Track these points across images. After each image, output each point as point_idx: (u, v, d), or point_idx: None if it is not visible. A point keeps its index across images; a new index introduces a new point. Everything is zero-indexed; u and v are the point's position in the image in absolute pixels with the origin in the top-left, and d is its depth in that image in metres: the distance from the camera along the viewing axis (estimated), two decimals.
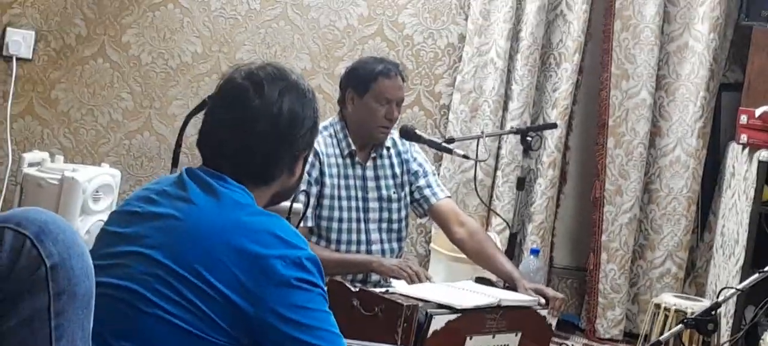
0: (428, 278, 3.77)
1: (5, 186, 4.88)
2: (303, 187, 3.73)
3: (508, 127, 4.97)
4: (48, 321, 1.53)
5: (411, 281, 3.66)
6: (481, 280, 3.97)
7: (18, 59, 4.98)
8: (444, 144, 4.10)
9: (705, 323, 3.23)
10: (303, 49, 5.14)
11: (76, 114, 5.10)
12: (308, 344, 1.91)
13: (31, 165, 4.36)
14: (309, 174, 3.80)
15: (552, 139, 5.06)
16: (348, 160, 3.91)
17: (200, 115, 2.15)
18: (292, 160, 2.08)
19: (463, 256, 4.15)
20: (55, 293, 1.54)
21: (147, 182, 2.22)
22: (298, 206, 2.75)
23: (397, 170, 4.01)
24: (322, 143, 3.86)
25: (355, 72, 3.91)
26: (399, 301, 3.25)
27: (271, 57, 5.08)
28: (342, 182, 3.89)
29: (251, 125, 2.02)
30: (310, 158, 3.80)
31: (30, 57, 5.04)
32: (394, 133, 4.01)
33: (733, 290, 3.43)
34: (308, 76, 5.14)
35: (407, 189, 4.04)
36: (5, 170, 4.90)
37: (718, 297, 3.33)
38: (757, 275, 3.37)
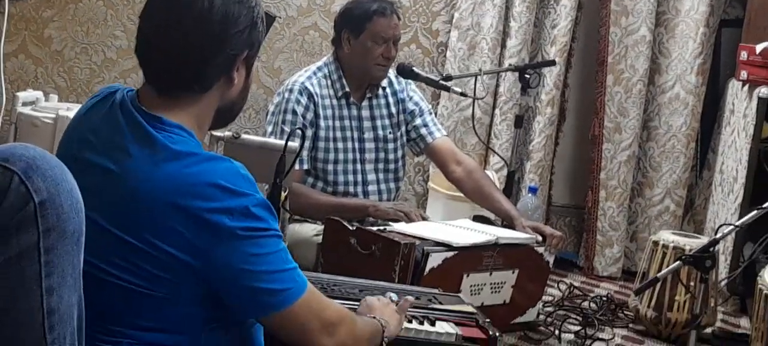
0: (425, 219, 3.76)
1: None
2: (297, 126, 3.71)
3: (506, 65, 4.93)
4: (37, 258, 1.51)
5: (409, 221, 3.65)
6: (479, 218, 3.97)
7: None
8: (441, 82, 4.08)
9: (703, 259, 3.23)
10: None
11: (70, 53, 5.06)
12: (263, 290, 1.88)
13: (25, 104, 4.34)
14: (303, 117, 3.78)
15: (551, 76, 5.03)
16: (343, 101, 3.89)
17: None
18: (227, 62, 1.95)
19: (461, 194, 4.14)
20: (44, 230, 1.51)
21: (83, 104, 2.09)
22: (294, 144, 2.73)
23: (393, 110, 3.99)
24: (316, 85, 3.84)
25: (350, 12, 3.88)
26: (396, 239, 3.25)
27: None
28: (337, 123, 3.87)
29: (181, 22, 1.91)
30: (304, 100, 3.79)
31: None
32: (391, 72, 3.98)
33: (731, 227, 3.42)
34: (303, 14, 5.10)
35: (403, 128, 4.02)
36: None
37: (716, 234, 3.31)
38: (755, 212, 3.36)
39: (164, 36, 1.93)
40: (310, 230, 3.71)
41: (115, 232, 1.84)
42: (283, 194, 2.68)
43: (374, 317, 2.17)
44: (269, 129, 3.84)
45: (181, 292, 1.87)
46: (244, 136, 2.99)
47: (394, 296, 2.37)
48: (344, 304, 2.23)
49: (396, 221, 3.63)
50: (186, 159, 1.87)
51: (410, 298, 2.39)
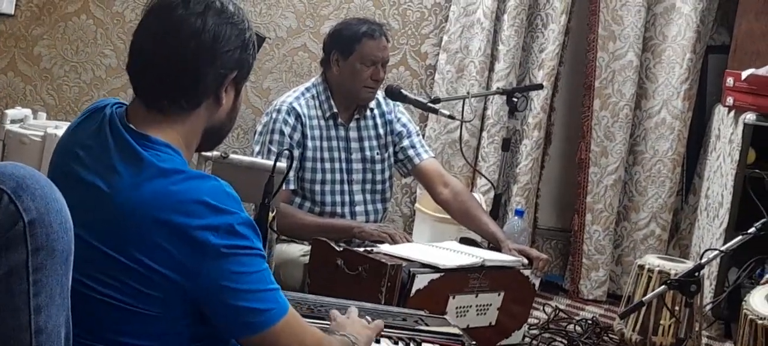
0: (409, 241, 3.77)
1: None
2: (284, 148, 3.72)
3: (494, 88, 4.95)
4: (26, 277, 1.52)
5: (393, 243, 3.66)
6: (465, 240, 3.97)
7: (0, 15, 4.94)
8: (430, 104, 4.09)
9: (688, 284, 3.24)
10: (288, 6, 5.11)
11: (59, 71, 5.07)
12: (246, 309, 1.88)
13: (13, 122, 4.33)
14: (291, 137, 3.79)
15: (538, 100, 5.05)
16: (331, 122, 3.90)
17: None
18: (216, 81, 1.96)
19: (448, 216, 4.15)
20: (33, 249, 1.52)
21: (73, 121, 2.11)
22: (282, 165, 2.74)
23: (381, 131, 4.00)
24: (303, 105, 3.85)
25: (340, 34, 3.90)
26: (383, 260, 3.25)
27: (256, 14, 5.05)
28: (325, 144, 3.88)
29: (174, 37, 1.93)
30: (291, 121, 3.80)
31: (12, 12, 5.00)
32: (379, 94, 4.00)
33: (716, 252, 3.44)
34: (294, 35, 5.11)
35: (391, 149, 4.03)
36: None
37: (701, 259, 3.33)
38: (740, 237, 3.38)
39: (157, 50, 1.94)
40: (297, 250, 3.72)
41: (102, 248, 1.85)
42: (271, 215, 2.69)
43: (345, 335, 2.18)
44: (257, 149, 3.84)
45: (167, 309, 1.88)
46: (233, 156, 3.00)
47: (368, 318, 2.37)
48: (324, 323, 2.27)
49: (381, 242, 3.64)
50: (172, 176, 1.88)
51: (381, 322, 2.39)
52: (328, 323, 2.29)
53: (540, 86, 4.83)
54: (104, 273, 1.86)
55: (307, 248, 3.62)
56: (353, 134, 3.95)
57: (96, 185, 1.90)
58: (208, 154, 2.92)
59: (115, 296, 1.87)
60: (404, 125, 4.05)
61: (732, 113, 4.72)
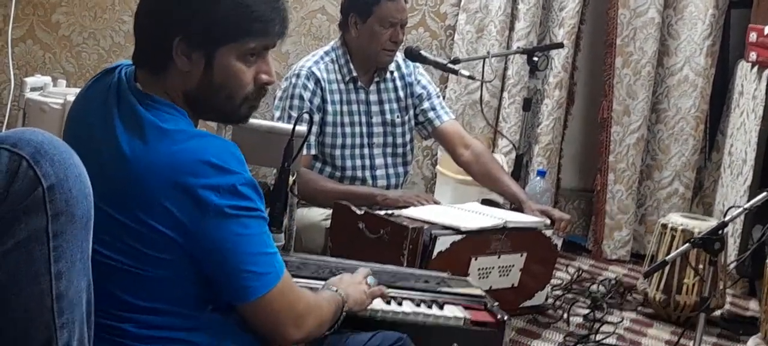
0: (435, 202, 3.76)
1: (8, 111, 4.86)
2: (305, 111, 3.71)
3: (514, 48, 4.92)
4: (46, 242, 1.51)
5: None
6: (487, 202, 3.97)
7: None
8: (449, 65, 4.07)
9: (712, 242, 3.22)
10: None
11: (78, 38, 5.07)
12: (245, 271, 1.89)
13: (33, 89, 4.34)
14: (311, 102, 3.77)
15: (559, 59, 5.02)
16: (350, 86, 3.88)
17: None
18: (164, 43, 1.93)
19: (470, 178, 4.14)
20: (52, 214, 1.51)
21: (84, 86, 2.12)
22: (301, 129, 2.73)
23: (401, 94, 3.99)
24: (323, 69, 3.84)
25: None
26: (404, 223, 3.25)
27: None
28: (345, 108, 3.87)
29: (142, 3, 2.00)
30: (311, 85, 3.78)
31: None
32: (398, 56, 3.98)
33: (740, 210, 3.41)
34: None
35: (411, 112, 4.02)
36: (8, 95, 4.88)
37: (725, 217, 3.31)
38: (764, 194, 3.35)
39: (139, 8, 2.01)
40: (319, 214, 3.71)
41: (108, 211, 1.85)
42: (291, 179, 2.68)
43: (336, 290, 2.20)
44: (277, 114, 3.83)
45: (175, 271, 1.89)
46: (252, 120, 2.99)
47: (372, 280, 2.37)
48: None
49: (405, 208, 3.62)
50: (175, 136, 1.88)
51: (383, 288, 2.39)
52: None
53: (561, 45, 4.79)
54: (112, 237, 1.87)
55: (328, 211, 3.62)
56: (373, 97, 3.93)
57: (103, 150, 1.90)
58: None
59: (124, 260, 1.88)
60: (424, 87, 4.03)
61: (755, 69, 4.67)
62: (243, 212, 1.87)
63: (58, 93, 4.33)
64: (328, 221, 3.56)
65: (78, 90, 4.46)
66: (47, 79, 4.51)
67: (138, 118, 1.91)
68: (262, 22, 1.96)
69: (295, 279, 2.05)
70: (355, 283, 2.30)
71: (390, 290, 2.44)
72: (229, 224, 1.86)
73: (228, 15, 1.93)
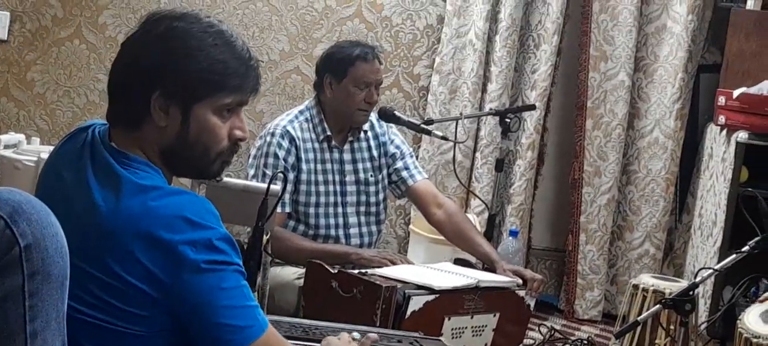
0: (410, 264, 3.76)
1: None
2: (279, 169, 3.72)
3: (486, 109, 4.96)
4: (22, 301, 1.52)
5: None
6: (459, 261, 3.97)
7: None
8: (423, 126, 4.09)
9: (683, 303, 3.25)
10: (281, 30, 5.12)
11: (53, 96, 5.07)
12: (224, 326, 1.88)
13: (7, 147, 4.32)
14: (285, 160, 3.79)
15: (531, 120, 5.07)
16: (324, 145, 3.90)
17: None
18: (140, 99, 1.95)
19: (442, 238, 4.15)
20: (29, 273, 1.52)
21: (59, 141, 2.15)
22: (276, 188, 2.74)
23: (375, 153, 4.00)
24: (297, 128, 3.85)
25: (332, 57, 3.90)
26: (377, 282, 3.25)
27: (249, 38, 5.05)
28: (319, 167, 3.88)
29: (121, 57, 2.02)
30: (285, 144, 3.80)
31: (5, 38, 5.00)
32: (372, 116, 4.00)
33: (710, 271, 3.44)
34: (286, 58, 5.12)
35: (385, 171, 4.03)
36: None
37: (695, 278, 3.34)
38: (734, 256, 3.39)
39: (114, 67, 2.03)
40: (292, 273, 3.71)
41: (84, 268, 1.85)
42: (265, 238, 2.68)
43: None
44: (251, 172, 3.84)
45: (150, 326, 1.89)
46: (227, 179, 3.00)
47: (356, 335, 2.35)
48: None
49: (380, 267, 3.62)
50: (151, 192, 1.89)
51: (373, 335, 2.36)
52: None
53: (533, 107, 4.83)
54: (88, 293, 1.87)
55: (301, 270, 3.62)
56: (347, 156, 3.95)
57: (77, 205, 1.91)
58: None
59: (99, 316, 1.88)
60: (398, 147, 4.05)
61: (724, 132, 4.73)
62: (219, 266, 1.88)
63: (32, 150, 4.32)
64: (301, 280, 3.56)
65: (52, 148, 4.45)
66: (21, 136, 4.49)
67: (113, 174, 1.92)
68: (237, 78, 1.99)
69: None
70: (346, 342, 2.26)
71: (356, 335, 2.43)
72: (206, 278, 1.86)
73: (205, 71, 1.96)
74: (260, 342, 1.92)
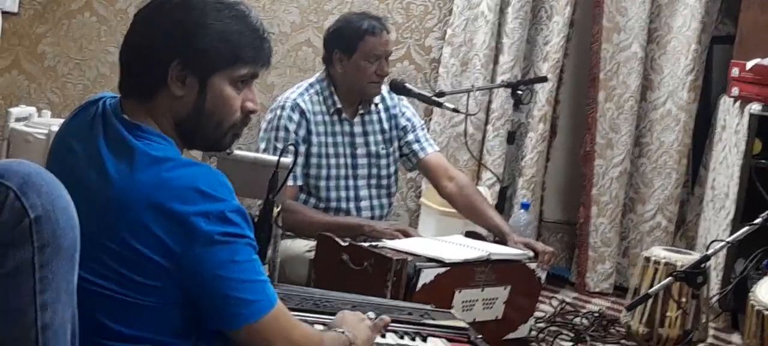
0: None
1: None
2: (290, 142, 3.71)
3: (498, 81, 4.95)
4: (32, 274, 1.52)
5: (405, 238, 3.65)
6: (471, 234, 3.97)
7: (4, 13, 4.93)
8: (434, 98, 4.09)
9: (694, 276, 3.24)
10: (292, 2, 5.10)
11: (63, 69, 5.07)
12: (235, 299, 1.89)
13: (18, 120, 4.33)
14: (296, 133, 3.78)
15: (543, 92, 5.05)
16: (335, 118, 3.89)
17: None
18: (157, 70, 1.96)
19: (454, 210, 4.14)
20: (39, 246, 1.52)
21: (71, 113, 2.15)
22: (286, 161, 2.74)
23: (386, 126, 4.00)
24: (308, 101, 3.85)
25: (341, 32, 3.88)
26: (388, 255, 3.25)
27: (260, 9, 5.04)
28: (329, 140, 3.88)
29: (130, 32, 2.03)
30: (296, 117, 3.79)
31: (16, 11, 5.00)
32: (383, 88, 3.99)
33: (722, 243, 3.43)
34: (297, 30, 5.11)
35: (396, 144, 4.03)
36: None
37: (707, 250, 3.33)
38: (746, 228, 3.37)
39: (123, 44, 2.03)
40: (303, 245, 3.72)
41: (97, 239, 1.86)
42: (276, 210, 2.68)
43: (343, 332, 2.17)
44: (262, 146, 3.84)
45: (163, 298, 1.89)
46: (237, 152, 3.00)
47: (371, 315, 2.34)
48: (330, 318, 2.27)
49: (392, 239, 3.62)
50: (165, 163, 1.90)
51: (387, 317, 2.35)
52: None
53: (544, 79, 4.81)
54: (101, 265, 1.87)
55: (312, 243, 3.62)
56: (358, 129, 3.94)
57: (90, 177, 1.91)
58: None
59: (112, 287, 1.88)
60: (409, 119, 4.05)
61: (737, 104, 4.71)
62: (232, 239, 1.88)
63: (43, 123, 4.33)
64: (312, 253, 3.56)
65: (62, 121, 4.46)
66: (32, 109, 4.50)
67: (127, 146, 1.92)
68: (252, 50, 2.01)
69: None
70: (358, 321, 2.25)
71: (372, 315, 2.43)
72: (218, 250, 1.86)
73: (223, 41, 1.97)
74: (269, 317, 1.93)
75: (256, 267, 1.93)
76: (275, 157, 2.64)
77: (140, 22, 2.02)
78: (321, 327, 2.26)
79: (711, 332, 4.36)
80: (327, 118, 3.88)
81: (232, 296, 1.89)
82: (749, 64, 4.62)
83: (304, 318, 2.38)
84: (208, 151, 2.56)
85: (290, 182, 3.61)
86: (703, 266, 3.28)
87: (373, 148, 3.97)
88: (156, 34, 1.98)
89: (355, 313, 2.30)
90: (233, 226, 1.88)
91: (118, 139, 1.94)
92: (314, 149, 3.84)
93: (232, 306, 1.89)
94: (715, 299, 4.49)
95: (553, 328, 4.21)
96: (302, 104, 3.83)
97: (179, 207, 1.85)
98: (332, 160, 3.88)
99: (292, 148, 3.12)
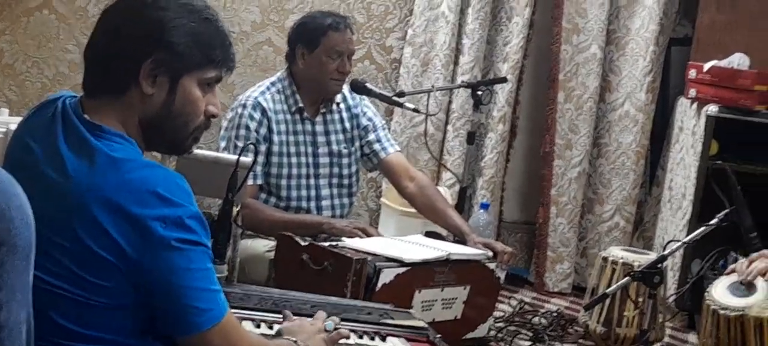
0: (380, 236, 3.77)
1: None
2: (250, 141, 3.71)
3: (458, 82, 4.96)
4: None
5: (365, 237, 3.65)
6: (430, 234, 3.98)
7: None
8: (394, 98, 4.10)
9: (651, 275, 3.27)
10: (253, 1, 5.09)
11: (21, 66, 5.02)
12: (186, 306, 1.88)
13: None
14: (257, 132, 3.78)
15: (502, 93, 5.07)
16: (297, 116, 3.89)
17: None
18: (127, 69, 1.95)
19: (414, 210, 4.15)
20: None
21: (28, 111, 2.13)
22: (246, 160, 2.73)
23: (347, 125, 4.00)
24: (269, 100, 3.84)
25: (304, 26, 3.89)
26: (348, 255, 3.25)
27: (221, 8, 5.02)
28: (291, 139, 3.87)
29: (97, 30, 2.01)
30: (257, 116, 3.79)
31: None
32: (344, 88, 3.99)
33: (679, 244, 3.47)
34: (258, 29, 5.10)
35: (357, 144, 4.03)
36: None
37: (664, 250, 3.36)
38: (702, 229, 3.41)
39: (87, 44, 2.01)
40: (262, 245, 3.71)
41: (53, 239, 1.85)
42: (235, 210, 2.68)
43: (295, 341, 2.15)
44: (222, 144, 3.83)
45: (117, 300, 1.88)
46: (197, 151, 2.99)
47: (330, 325, 2.31)
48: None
49: (351, 237, 3.63)
50: (125, 165, 1.89)
51: (345, 330, 2.33)
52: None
53: (504, 79, 4.84)
54: (56, 264, 1.86)
55: (272, 243, 3.62)
56: (319, 128, 3.94)
57: (48, 176, 1.91)
58: None
59: (66, 287, 1.87)
60: (370, 119, 4.05)
61: (695, 105, 4.75)
62: (188, 246, 1.87)
63: (1, 122, 4.29)
64: (272, 253, 3.56)
65: (20, 119, 4.42)
66: None
67: (87, 146, 1.91)
68: (221, 53, 2.03)
69: (238, 310, 2.05)
70: (314, 332, 2.23)
71: (336, 319, 2.43)
72: (173, 256, 1.86)
73: (195, 42, 1.98)
74: (219, 327, 1.92)
75: (209, 276, 1.92)
76: (235, 157, 2.64)
77: (110, 19, 2.01)
78: (273, 331, 2.26)
79: (668, 331, 4.40)
80: (288, 117, 3.88)
81: (183, 304, 1.88)
82: (706, 66, 4.67)
83: (263, 318, 2.39)
84: (169, 154, 2.55)
85: (250, 181, 3.60)
86: (659, 266, 3.31)
87: (334, 148, 3.97)
88: (129, 32, 1.97)
89: (314, 322, 2.29)
90: (190, 232, 1.88)
91: (78, 139, 1.92)
92: (275, 148, 3.83)
93: (183, 313, 1.89)
94: (671, 298, 4.53)
95: (511, 328, 4.23)
96: (264, 103, 3.83)
97: (137, 210, 1.84)
98: (294, 160, 3.88)
99: (252, 147, 3.11)
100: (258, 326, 2.36)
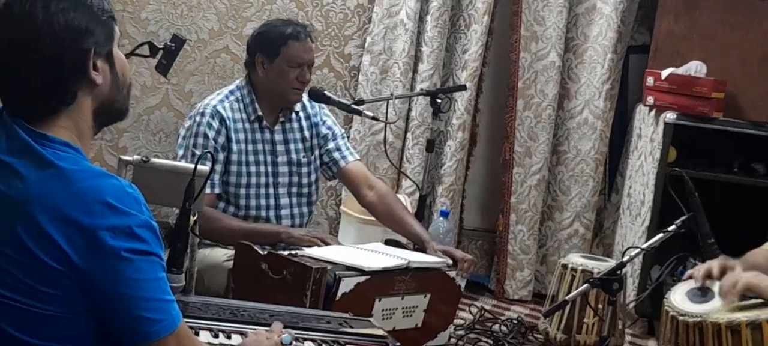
0: (339, 245, 3.75)
1: None
2: (208, 149, 3.67)
3: (417, 89, 4.96)
4: None
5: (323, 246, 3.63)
6: (390, 242, 3.97)
7: None
8: (353, 106, 4.08)
9: (610, 282, 3.27)
10: (210, 8, 5.06)
11: None
12: (138, 316, 1.86)
13: None
14: (215, 140, 3.75)
15: (462, 101, 5.07)
16: (256, 125, 3.86)
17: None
18: (74, 72, 1.90)
19: (373, 218, 4.14)
20: None
21: None
22: (204, 168, 2.70)
23: (307, 133, 3.98)
24: (228, 108, 3.81)
25: (264, 36, 3.87)
26: (307, 263, 3.23)
27: (177, 17, 4.99)
28: (250, 147, 3.85)
29: (11, 58, 1.90)
30: (215, 124, 3.75)
31: None
32: (303, 96, 3.97)
33: (638, 250, 3.47)
34: (215, 37, 5.07)
35: (317, 152, 4.01)
36: None
37: (623, 257, 3.37)
38: (661, 235, 3.42)
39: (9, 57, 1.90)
40: (221, 254, 3.68)
41: (1, 249, 1.82)
42: (192, 219, 2.65)
43: None
44: (180, 153, 3.79)
45: (68, 308, 1.85)
46: (154, 160, 2.95)
47: (287, 338, 2.29)
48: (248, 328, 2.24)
49: (310, 247, 3.60)
50: (74, 175, 1.85)
51: None
52: (253, 328, 2.26)
53: (463, 87, 4.84)
54: (5, 274, 1.83)
55: (231, 252, 3.58)
56: (279, 137, 3.92)
57: None
58: (129, 158, 2.87)
59: (16, 297, 1.84)
60: (329, 128, 4.03)
61: (653, 112, 4.78)
62: (137, 256, 1.84)
63: None
64: (231, 262, 3.53)
65: None
66: None
67: (32, 155, 1.87)
68: (108, 5, 2.00)
69: (196, 320, 2.02)
70: (265, 343, 2.23)
71: (293, 332, 2.42)
72: (123, 266, 1.83)
73: (104, 14, 1.96)
74: (172, 336, 1.90)
75: (161, 285, 1.89)
76: (192, 166, 2.61)
77: (20, 56, 1.89)
78: (231, 341, 2.23)
79: (627, 337, 4.42)
80: (247, 125, 3.85)
81: (134, 314, 1.85)
82: (664, 74, 4.69)
83: (221, 328, 2.36)
84: (119, 121, 2.43)
85: (208, 190, 3.57)
86: (619, 272, 3.31)
87: (294, 156, 3.94)
88: (59, 41, 1.89)
89: (270, 336, 2.27)
90: (140, 242, 1.85)
91: (22, 149, 1.88)
92: (234, 157, 3.80)
93: (135, 324, 1.86)
94: (631, 305, 4.55)
95: (472, 335, 4.23)
96: (222, 111, 3.79)
97: (86, 220, 1.81)
98: (253, 168, 3.85)
99: (209, 155, 3.08)
100: (216, 337, 2.34)
